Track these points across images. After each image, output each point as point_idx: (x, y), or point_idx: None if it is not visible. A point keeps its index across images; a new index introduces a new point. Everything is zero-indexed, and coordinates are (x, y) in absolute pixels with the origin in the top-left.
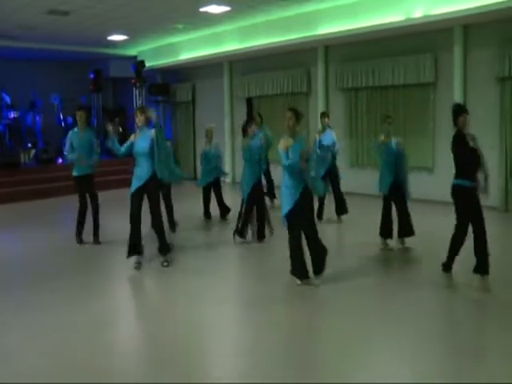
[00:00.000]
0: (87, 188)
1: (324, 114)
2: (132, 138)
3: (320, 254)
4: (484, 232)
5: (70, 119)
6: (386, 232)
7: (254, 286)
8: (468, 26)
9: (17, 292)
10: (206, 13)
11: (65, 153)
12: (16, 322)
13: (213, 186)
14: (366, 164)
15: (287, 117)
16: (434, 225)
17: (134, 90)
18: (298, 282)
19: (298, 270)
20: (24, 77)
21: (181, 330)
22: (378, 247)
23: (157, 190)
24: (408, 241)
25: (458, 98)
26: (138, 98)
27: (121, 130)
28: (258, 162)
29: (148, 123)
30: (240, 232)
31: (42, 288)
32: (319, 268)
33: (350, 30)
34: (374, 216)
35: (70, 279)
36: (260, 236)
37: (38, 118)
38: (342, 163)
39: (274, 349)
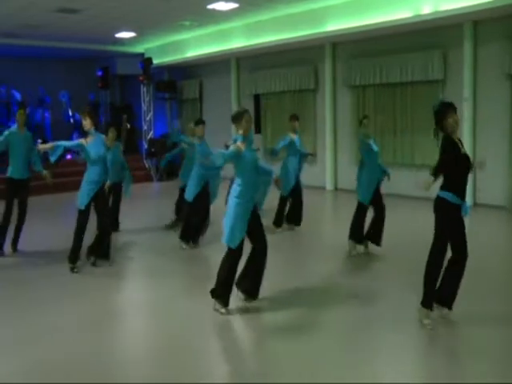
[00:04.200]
0: (20, 193)
1: (293, 117)
2: (83, 141)
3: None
4: (463, 259)
5: (77, 115)
6: (357, 236)
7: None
8: (478, 22)
9: None
10: (213, 10)
11: None
12: None
13: None
14: None
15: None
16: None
17: (142, 87)
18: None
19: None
20: (33, 74)
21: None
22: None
23: (105, 193)
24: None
25: (467, 95)
26: (145, 95)
27: (129, 126)
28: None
29: (95, 126)
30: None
31: None
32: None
33: (357, 27)
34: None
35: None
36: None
37: (46, 115)
38: (346, 161)
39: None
